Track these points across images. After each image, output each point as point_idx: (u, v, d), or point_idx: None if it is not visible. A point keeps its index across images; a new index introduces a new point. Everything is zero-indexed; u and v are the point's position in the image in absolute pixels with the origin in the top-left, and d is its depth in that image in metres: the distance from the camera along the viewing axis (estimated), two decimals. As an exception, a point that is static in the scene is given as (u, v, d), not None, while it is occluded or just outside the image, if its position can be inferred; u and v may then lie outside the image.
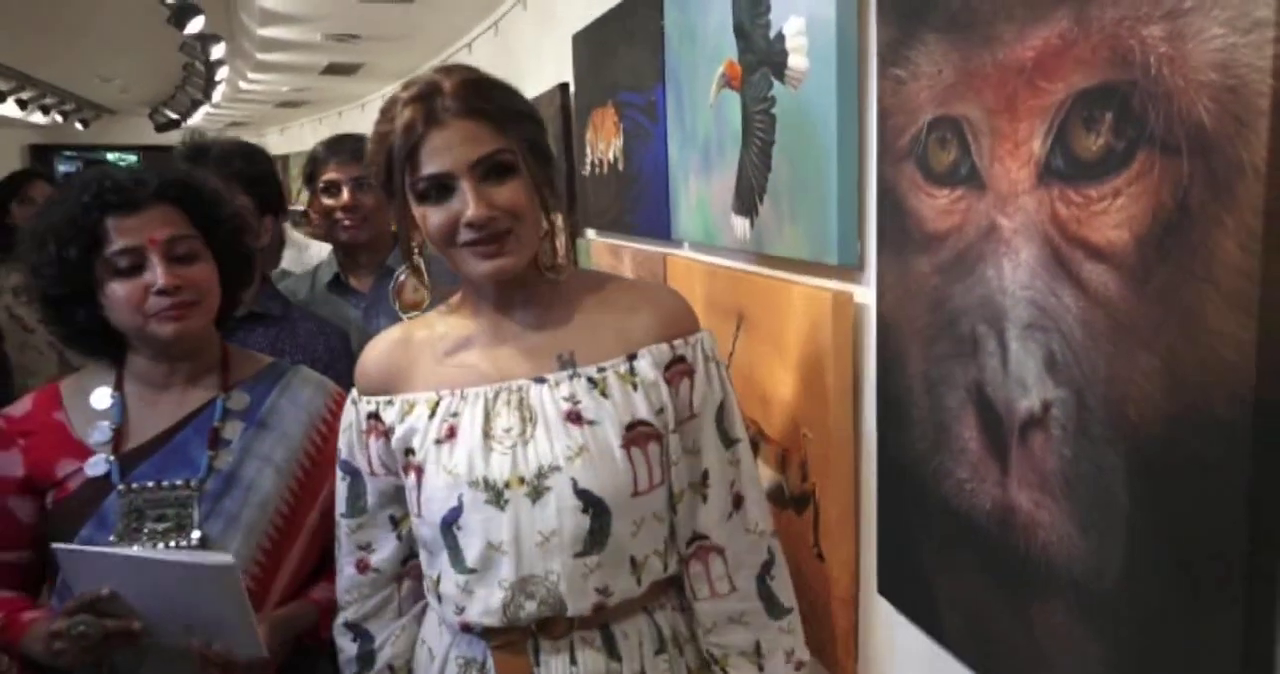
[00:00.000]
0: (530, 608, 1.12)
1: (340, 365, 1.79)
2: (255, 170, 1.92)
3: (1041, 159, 0.86)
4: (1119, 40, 0.76)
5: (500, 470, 1.11)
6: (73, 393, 1.33)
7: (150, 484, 1.23)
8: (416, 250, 1.18)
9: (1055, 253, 0.85)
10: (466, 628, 1.16)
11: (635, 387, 1.14)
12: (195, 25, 4.41)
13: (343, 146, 2.18)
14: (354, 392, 1.25)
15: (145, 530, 1.21)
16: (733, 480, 1.21)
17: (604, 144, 2.48)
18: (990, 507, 0.98)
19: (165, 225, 1.27)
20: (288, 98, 8.35)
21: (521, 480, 1.11)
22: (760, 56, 1.47)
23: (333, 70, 6.29)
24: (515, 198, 1.10)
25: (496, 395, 1.14)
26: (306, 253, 2.71)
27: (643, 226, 2.20)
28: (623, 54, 2.28)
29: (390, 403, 1.19)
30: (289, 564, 1.31)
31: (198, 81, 7.32)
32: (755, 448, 1.63)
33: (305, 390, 1.37)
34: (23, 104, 9.06)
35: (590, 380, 1.14)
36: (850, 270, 1.30)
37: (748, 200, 1.56)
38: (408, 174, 1.10)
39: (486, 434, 1.13)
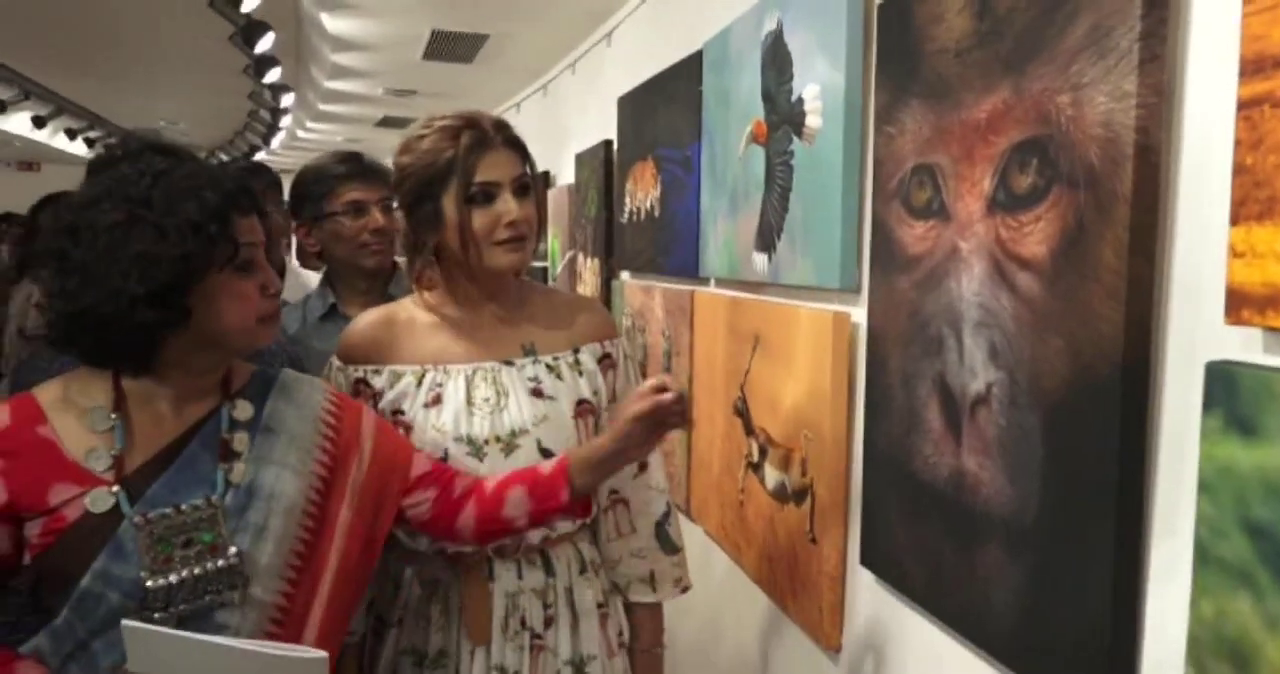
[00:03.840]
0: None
1: None
2: None
3: (990, 195, 1.12)
4: (1042, 105, 1.02)
5: (480, 430, 1.40)
6: (58, 405, 1.18)
7: (168, 510, 1.15)
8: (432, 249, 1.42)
9: (997, 266, 1.11)
10: (441, 553, 1.42)
11: (580, 373, 1.48)
12: (265, 44, 4.51)
13: (365, 166, 2.00)
14: (335, 360, 1.47)
15: (177, 558, 1.14)
16: None
17: (642, 194, 2.77)
18: (948, 474, 1.22)
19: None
20: (340, 147, 8.74)
21: (498, 439, 1.40)
22: (783, 117, 1.75)
23: (386, 123, 6.70)
24: (532, 212, 1.41)
25: (475, 372, 1.43)
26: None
27: (673, 266, 2.47)
28: (663, 114, 2.58)
29: (378, 372, 1.44)
30: (329, 567, 1.25)
31: (259, 128, 7.76)
32: (763, 452, 1.87)
33: (301, 389, 1.31)
34: (90, 143, 9.60)
35: (548, 366, 1.46)
36: (849, 293, 1.55)
37: (768, 238, 1.83)
38: (458, 181, 1.36)
39: (469, 402, 1.41)
